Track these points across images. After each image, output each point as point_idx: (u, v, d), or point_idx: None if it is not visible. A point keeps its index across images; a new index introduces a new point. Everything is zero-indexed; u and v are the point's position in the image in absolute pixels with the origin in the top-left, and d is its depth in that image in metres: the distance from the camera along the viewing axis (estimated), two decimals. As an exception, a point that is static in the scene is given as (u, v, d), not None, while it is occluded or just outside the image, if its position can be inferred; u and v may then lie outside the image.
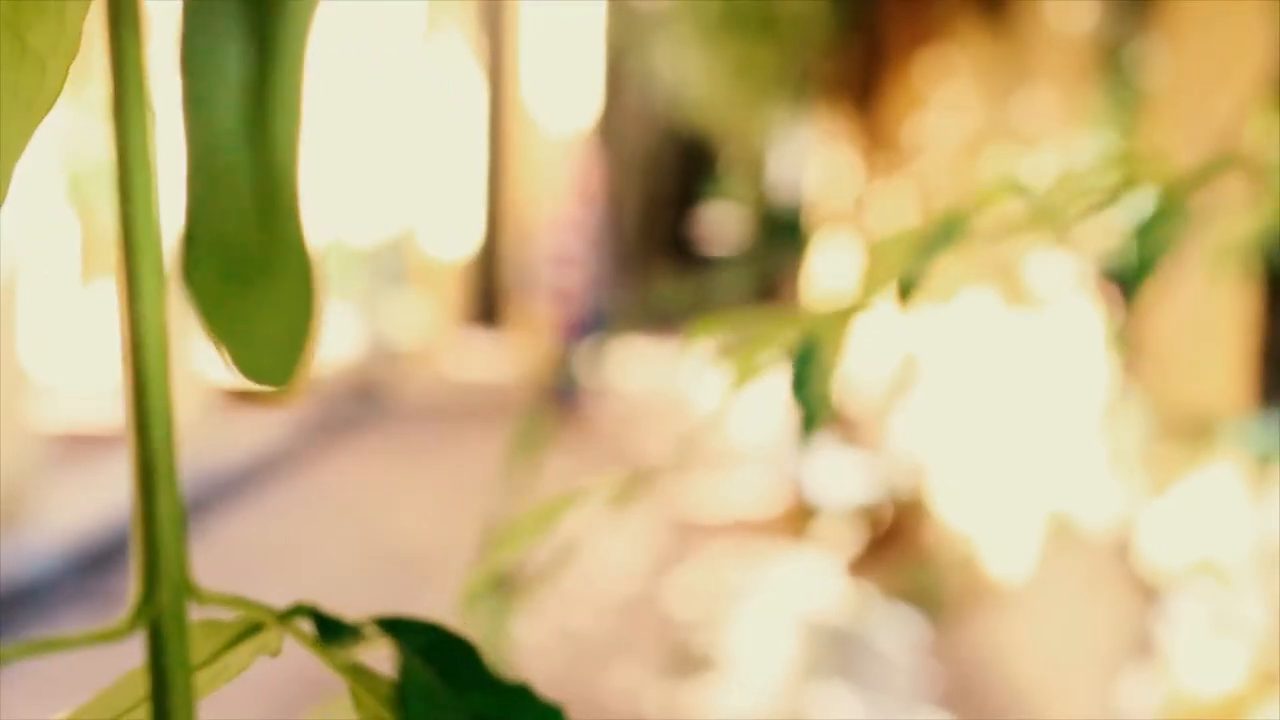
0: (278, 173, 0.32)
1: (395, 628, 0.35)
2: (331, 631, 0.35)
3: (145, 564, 0.34)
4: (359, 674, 0.35)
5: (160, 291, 0.34)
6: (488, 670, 0.35)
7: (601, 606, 5.75)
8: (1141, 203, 0.71)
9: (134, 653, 0.37)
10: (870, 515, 6.68)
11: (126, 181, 0.35)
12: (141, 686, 0.37)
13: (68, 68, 0.43)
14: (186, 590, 0.34)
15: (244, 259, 0.33)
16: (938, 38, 7.99)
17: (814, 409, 0.64)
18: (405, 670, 0.34)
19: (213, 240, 0.32)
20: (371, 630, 0.35)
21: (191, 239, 0.32)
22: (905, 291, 0.61)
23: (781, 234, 21.23)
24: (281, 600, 0.37)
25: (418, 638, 0.35)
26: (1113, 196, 0.69)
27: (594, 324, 9.00)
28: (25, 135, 0.43)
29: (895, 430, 7.05)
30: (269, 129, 0.32)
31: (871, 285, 0.62)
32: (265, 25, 0.32)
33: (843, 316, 0.63)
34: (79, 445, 8.53)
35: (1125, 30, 8.62)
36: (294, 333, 0.33)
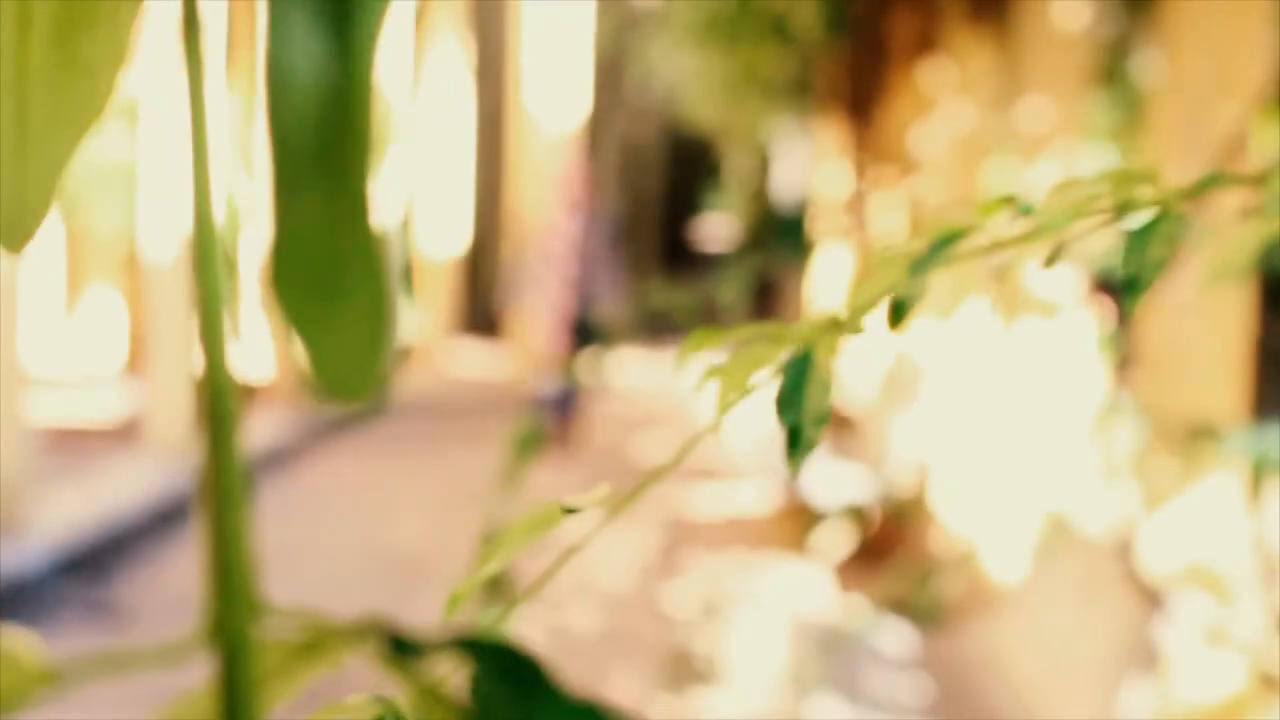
0: (353, 182, 0.33)
1: (465, 645, 0.35)
2: (402, 649, 0.35)
3: (217, 582, 0.34)
4: (427, 692, 0.35)
5: (223, 311, 0.35)
6: (557, 688, 0.35)
7: (594, 608, 5.75)
8: (1138, 220, 0.71)
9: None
10: (866, 519, 6.68)
11: (198, 197, 0.35)
12: (204, 704, 0.37)
13: (118, 77, 0.42)
14: (258, 609, 0.34)
15: (325, 270, 0.33)
16: (938, 45, 7.99)
17: (803, 432, 0.62)
18: (477, 689, 0.34)
19: (297, 251, 0.33)
20: (441, 647, 0.35)
21: (278, 251, 0.33)
22: (899, 312, 0.60)
23: (781, 238, 21.23)
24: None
25: (487, 655, 0.35)
26: (1111, 211, 0.69)
27: (589, 327, 8.93)
28: (74, 145, 0.43)
29: (892, 434, 7.05)
30: (344, 138, 0.33)
31: (863, 304, 0.61)
32: (340, 36, 0.33)
33: (832, 336, 0.62)
34: (68, 440, 8.52)
35: (1126, 36, 8.61)
36: (371, 345, 0.33)
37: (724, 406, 0.65)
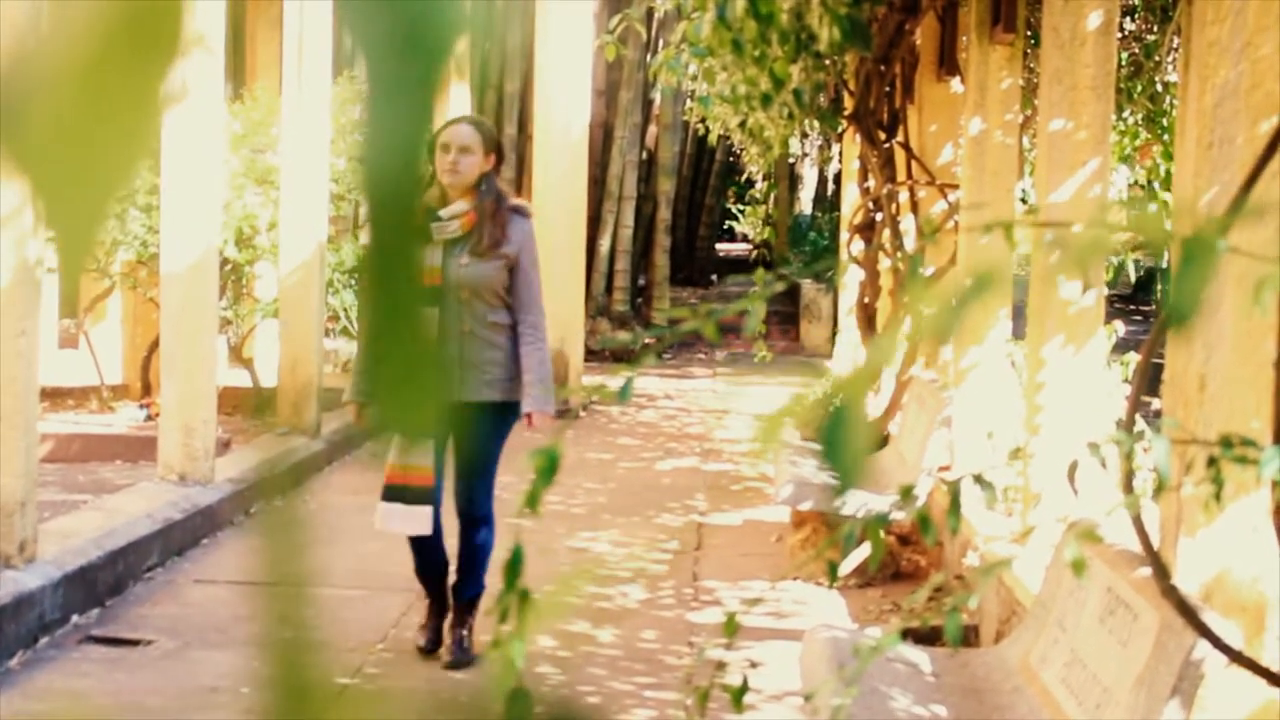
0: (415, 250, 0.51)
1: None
2: None
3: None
4: None
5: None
6: None
7: (611, 618, 5.72)
8: (1173, 251, 0.71)
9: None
10: (888, 531, 6.65)
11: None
12: None
13: (160, 115, 0.46)
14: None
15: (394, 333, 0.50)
16: (962, 62, 7.97)
17: (849, 471, 0.66)
18: None
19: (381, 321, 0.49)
20: None
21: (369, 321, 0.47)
22: (941, 341, 0.60)
23: (807, 253, 21.24)
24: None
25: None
26: (1143, 242, 0.69)
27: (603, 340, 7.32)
28: (123, 177, 0.46)
29: (919, 451, 7.01)
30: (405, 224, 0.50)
31: (899, 338, 0.63)
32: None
33: (866, 381, 0.64)
34: (75, 460, 8.52)
35: (1158, 54, 8.56)
36: (428, 391, 0.51)
37: (762, 449, 0.72)
